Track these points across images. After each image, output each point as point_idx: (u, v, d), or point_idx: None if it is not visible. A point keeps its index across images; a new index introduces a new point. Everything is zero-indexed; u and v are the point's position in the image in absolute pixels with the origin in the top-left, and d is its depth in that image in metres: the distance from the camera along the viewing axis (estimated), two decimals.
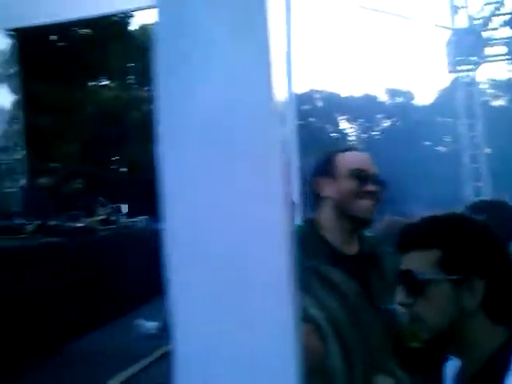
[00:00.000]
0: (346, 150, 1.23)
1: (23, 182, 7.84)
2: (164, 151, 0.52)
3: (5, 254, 2.79)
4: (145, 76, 24.42)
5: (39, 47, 11.94)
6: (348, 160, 1.19)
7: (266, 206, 0.51)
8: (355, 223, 1.16)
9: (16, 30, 7.70)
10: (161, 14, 0.53)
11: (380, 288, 1.09)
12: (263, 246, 0.51)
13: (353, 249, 1.16)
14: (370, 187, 1.15)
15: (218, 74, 0.53)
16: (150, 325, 3.06)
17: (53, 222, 3.84)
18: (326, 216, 1.16)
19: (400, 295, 0.80)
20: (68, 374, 2.43)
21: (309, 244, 1.10)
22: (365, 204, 1.14)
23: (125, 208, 5.36)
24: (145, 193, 8.77)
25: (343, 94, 28.89)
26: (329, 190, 1.16)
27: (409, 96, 28.75)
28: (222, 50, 0.53)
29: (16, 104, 7.81)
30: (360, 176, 1.15)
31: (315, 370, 0.89)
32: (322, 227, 1.15)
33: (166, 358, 2.58)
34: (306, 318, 0.92)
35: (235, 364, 0.48)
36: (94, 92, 17.00)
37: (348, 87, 61.66)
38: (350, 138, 28.96)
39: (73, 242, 3.43)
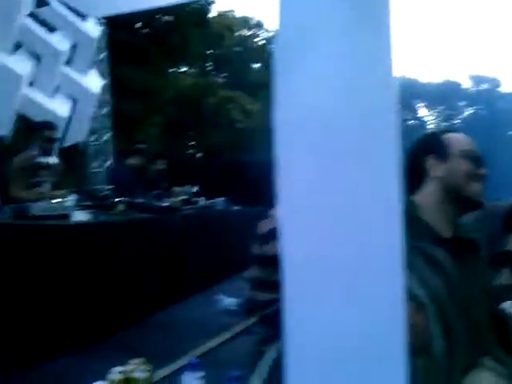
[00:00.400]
0: (448, 131, 1.20)
1: (110, 162, 8.35)
2: (279, 148, 0.55)
3: (102, 227, 3.03)
4: (222, 62, 24.88)
5: (126, 34, 12.51)
6: (459, 141, 1.15)
7: (380, 206, 0.53)
8: (466, 205, 1.13)
9: (106, 17, 8.14)
10: (282, 15, 0.56)
11: (479, 273, 1.07)
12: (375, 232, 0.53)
13: (449, 233, 1.12)
14: (482, 170, 1.12)
15: (337, 70, 0.54)
16: (230, 301, 3.17)
17: (140, 200, 4.06)
18: (431, 197, 1.11)
19: (505, 276, 0.79)
20: (153, 341, 2.59)
21: (408, 224, 1.08)
22: (477, 186, 1.10)
23: (202, 190, 5.58)
24: (220, 176, 9.04)
25: (423, 80, 27.76)
26: (438, 170, 1.12)
27: (494, 83, 27.09)
28: (341, 47, 0.53)
29: (105, 88, 8.25)
30: (473, 158, 1.11)
31: (418, 349, 0.90)
32: (423, 208, 1.10)
33: (245, 333, 2.69)
34: (410, 297, 0.92)
35: (347, 343, 0.51)
36: (175, 78, 17.53)
37: (429, 72, 59.05)
38: (429, 126, 27.82)
39: (159, 219, 3.64)
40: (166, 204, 4.18)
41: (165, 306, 3.23)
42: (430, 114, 28.87)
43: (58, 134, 4.13)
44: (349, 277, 0.52)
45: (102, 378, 1.76)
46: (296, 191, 0.54)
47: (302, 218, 0.53)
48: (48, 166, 3.87)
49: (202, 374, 1.53)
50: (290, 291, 0.53)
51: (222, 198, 5.32)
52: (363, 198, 0.53)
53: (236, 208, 5.45)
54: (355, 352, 0.51)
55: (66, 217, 2.93)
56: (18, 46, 6.02)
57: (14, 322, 2.57)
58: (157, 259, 3.39)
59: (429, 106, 28.43)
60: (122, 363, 1.78)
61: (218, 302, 3.21)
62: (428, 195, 1.12)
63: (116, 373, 1.72)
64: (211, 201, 5.14)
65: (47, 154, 3.86)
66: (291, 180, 0.54)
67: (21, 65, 5.88)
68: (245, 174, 8.99)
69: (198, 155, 20.98)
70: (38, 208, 2.93)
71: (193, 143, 21.53)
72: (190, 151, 21.35)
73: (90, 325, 2.69)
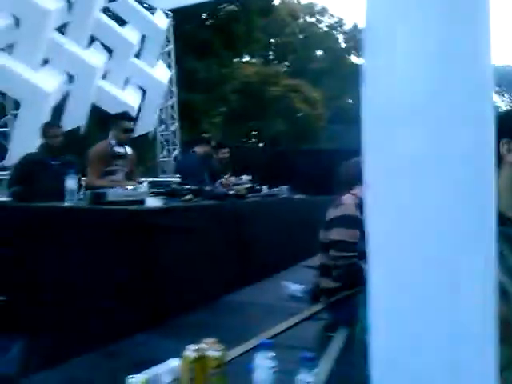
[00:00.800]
0: None
1: (177, 151, 8.61)
2: (367, 136, 0.55)
3: (173, 212, 3.16)
4: (284, 51, 24.77)
5: (191, 25, 12.77)
6: None
7: (475, 198, 0.53)
8: None
9: (172, 10, 8.36)
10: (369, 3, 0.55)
11: None
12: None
13: None
14: None
15: (428, 58, 0.52)
16: (295, 287, 3.21)
17: (207, 188, 4.17)
18: (506, 183, 1.08)
19: None
20: (222, 323, 2.67)
21: None
22: None
23: (265, 179, 5.65)
24: (282, 164, 9.06)
25: (498, 64, 26.27)
26: None
27: None
28: (435, 34, 0.51)
29: (171, 80, 8.49)
30: None
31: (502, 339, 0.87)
32: (499, 194, 1.08)
33: (310, 319, 2.72)
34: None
35: (437, 329, 0.51)
36: (238, 68, 17.68)
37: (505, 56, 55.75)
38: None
39: (226, 206, 3.73)
40: (231, 192, 4.28)
41: (232, 290, 3.32)
42: (507, 99, 27.39)
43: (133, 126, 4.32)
44: (439, 262, 0.52)
45: (176, 355, 1.84)
46: (384, 176, 0.54)
47: (388, 202, 0.54)
48: (123, 156, 4.07)
49: (273, 354, 1.58)
50: (376, 278, 0.53)
51: (286, 186, 5.35)
52: (453, 192, 0.52)
53: (300, 196, 5.46)
54: (445, 340, 0.51)
55: (141, 202, 3.08)
56: (92, 40, 6.32)
57: (95, 299, 2.75)
58: (224, 244, 3.49)
59: (506, 91, 26.97)
60: (194, 342, 1.85)
61: (283, 288, 3.25)
62: (503, 181, 1.08)
63: (190, 350, 1.79)
64: (275, 189, 5.19)
65: (123, 143, 4.06)
66: (379, 164, 0.54)
67: (95, 58, 6.18)
68: (307, 162, 8.96)
69: (261, 144, 21.12)
70: (114, 194, 3.09)
71: (255, 133, 21.70)
72: (253, 140, 21.52)
73: (163, 305, 2.82)
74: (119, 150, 4.00)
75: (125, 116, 4.17)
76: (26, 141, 5.36)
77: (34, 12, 5.19)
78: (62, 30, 5.91)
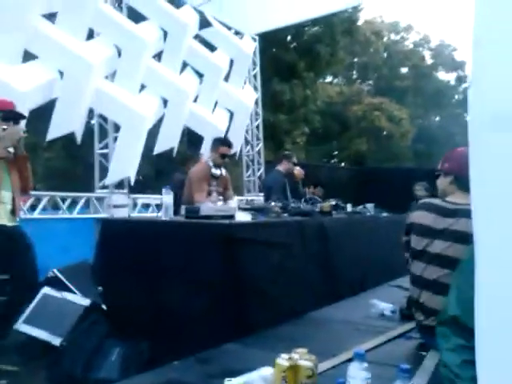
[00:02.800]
0: None
1: (262, 171, 8.80)
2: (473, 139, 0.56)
3: (268, 227, 3.30)
4: (368, 70, 24.53)
5: (276, 48, 13.10)
6: None
7: None
8: None
9: (259, 34, 8.66)
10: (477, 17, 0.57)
11: None
12: None
13: None
14: None
15: None
16: (384, 305, 3.16)
17: (292, 204, 4.24)
18: None
19: None
20: (311, 336, 2.69)
21: None
22: None
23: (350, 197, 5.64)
24: (366, 183, 8.92)
25: None
26: None
27: None
28: None
29: (257, 101, 8.74)
30: None
31: None
32: None
33: (401, 337, 2.66)
34: None
35: None
36: (321, 88, 17.76)
37: None
38: None
39: (312, 223, 3.78)
40: (317, 209, 4.32)
41: (318, 306, 3.33)
42: None
43: (231, 152, 4.64)
44: None
45: (265, 365, 1.89)
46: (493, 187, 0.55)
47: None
48: (219, 177, 4.32)
49: (367, 364, 1.58)
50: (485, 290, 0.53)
51: (372, 204, 5.29)
52: None
53: (385, 214, 5.37)
54: None
55: (231, 217, 3.22)
56: (185, 65, 6.71)
57: (188, 308, 2.90)
58: (311, 260, 3.52)
59: None
60: (283, 353, 1.89)
61: (372, 306, 3.21)
62: None
63: (283, 359, 1.84)
64: (360, 206, 5.16)
65: (219, 166, 4.32)
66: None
67: (188, 83, 6.54)
68: (392, 180, 8.77)
69: (343, 164, 20.92)
70: (207, 209, 3.25)
71: (336, 152, 21.58)
72: (335, 160, 21.39)
73: (250, 316, 2.90)
74: (216, 171, 4.27)
75: (225, 142, 4.47)
76: (124, 161, 5.78)
77: (135, 42, 5.63)
78: (157, 57, 6.34)
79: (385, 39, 25.54)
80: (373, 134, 19.39)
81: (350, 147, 19.62)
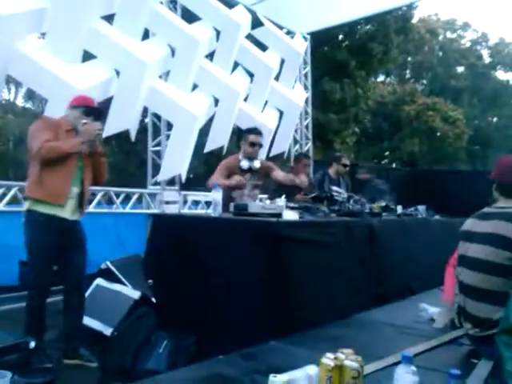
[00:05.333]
0: None
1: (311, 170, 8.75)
2: None
3: (315, 226, 3.31)
4: (422, 69, 23.88)
5: (328, 47, 12.99)
6: None
7: None
8: None
9: (310, 33, 8.61)
10: None
11: None
12: None
13: None
14: None
15: None
16: (434, 310, 3.08)
17: (341, 204, 4.20)
18: None
19: None
20: (357, 338, 2.65)
21: None
22: None
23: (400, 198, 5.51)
24: (418, 185, 8.70)
25: None
26: None
27: None
28: None
29: (307, 100, 8.69)
30: None
31: None
32: None
33: (451, 343, 2.58)
34: None
35: None
36: (373, 88, 17.44)
37: None
38: None
39: (362, 223, 3.73)
40: (367, 209, 4.26)
41: (365, 308, 3.29)
42: None
43: (263, 141, 4.50)
44: None
45: (310, 363, 1.89)
46: None
47: None
48: (249, 170, 4.25)
49: (415, 368, 1.55)
50: None
51: (423, 206, 5.16)
52: None
53: (437, 217, 5.23)
54: None
55: (278, 215, 3.23)
56: (236, 65, 6.78)
57: (234, 304, 2.94)
58: (358, 261, 3.48)
59: None
60: (330, 353, 1.88)
61: (421, 310, 3.13)
62: None
63: (328, 358, 1.83)
64: (412, 208, 5.04)
65: (251, 158, 4.28)
66: None
67: (238, 82, 6.60)
68: (446, 182, 8.51)
69: (394, 165, 20.47)
70: (254, 206, 3.28)
71: (387, 153, 21.14)
72: (385, 160, 20.96)
73: (295, 316, 2.90)
74: (247, 164, 4.22)
75: (251, 130, 4.34)
76: (176, 159, 5.91)
77: (188, 42, 5.74)
78: (210, 56, 6.44)
79: (440, 38, 24.77)
80: (426, 135, 18.85)
81: (402, 148, 19.18)
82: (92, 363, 3.14)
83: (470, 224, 2.51)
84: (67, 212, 3.20)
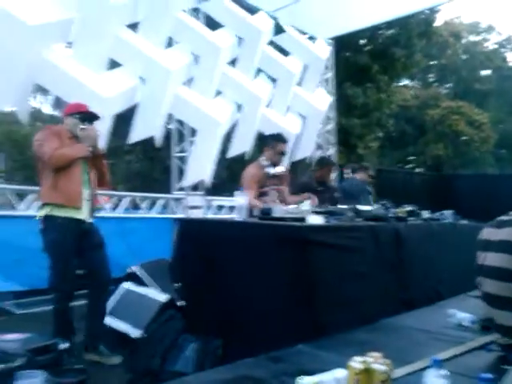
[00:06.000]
0: None
1: (334, 175, 8.71)
2: None
3: (341, 230, 3.30)
4: (446, 72, 23.59)
5: (350, 51, 12.95)
6: None
7: None
8: None
9: (333, 38, 8.61)
10: None
11: None
12: None
13: None
14: None
15: None
16: (463, 316, 3.03)
17: (367, 209, 4.18)
18: None
19: None
20: (385, 342, 2.62)
21: None
22: None
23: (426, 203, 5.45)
24: (444, 189, 8.58)
25: None
26: None
27: None
28: None
29: (330, 106, 8.68)
30: None
31: None
32: None
33: (481, 349, 2.53)
34: None
35: None
36: (396, 92, 17.30)
37: None
38: None
39: (387, 227, 3.70)
40: (392, 214, 4.22)
41: (392, 313, 3.25)
42: None
43: (288, 148, 4.56)
44: None
45: (338, 367, 1.88)
46: None
47: None
48: (275, 176, 4.27)
49: (446, 372, 1.53)
50: None
51: (450, 211, 5.09)
52: None
53: (464, 222, 5.14)
54: None
55: (303, 220, 3.23)
56: (258, 71, 6.83)
57: (260, 307, 2.95)
58: (384, 266, 3.45)
59: None
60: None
61: (450, 316, 3.08)
62: None
63: (356, 362, 1.82)
64: (438, 213, 4.98)
65: (276, 164, 4.28)
66: None
67: (261, 88, 6.64)
68: (472, 187, 8.38)
69: (418, 169, 20.23)
70: (279, 210, 3.29)
71: (412, 157, 20.90)
72: (410, 165, 20.72)
73: (322, 319, 2.89)
74: (271, 170, 4.23)
75: (281, 139, 4.35)
76: (200, 165, 5.97)
77: (211, 49, 5.81)
78: (232, 63, 6.50)
79: (464, 41, 24.44)
80: (451, 139, 18.59)
81: (427, 152, 18.95)
82: (111, 359, 3.22)
83: (486, 233, 2.45)
84: (84, 214, 3.33)
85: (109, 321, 3.48)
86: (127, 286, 3.67)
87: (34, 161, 3.41)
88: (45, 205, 3.25)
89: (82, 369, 2.68)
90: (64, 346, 2.69)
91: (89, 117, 3.43)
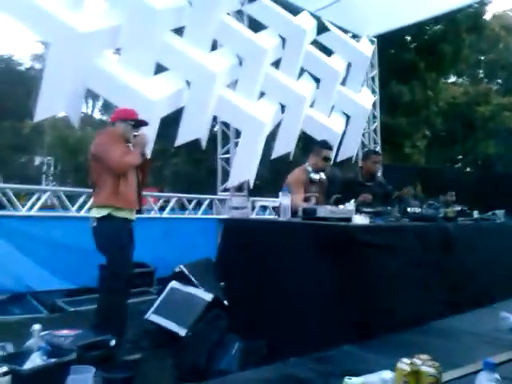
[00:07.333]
0: None
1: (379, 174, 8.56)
2: None
3: (387, 230, 3.27)
4: (496, 67, 22.67)
5: (395, 50, 12.70)
6: None
7: None
8: None
9: (377, 36, 8.48)
10: None
11: None
12: None
13: None
14: None
15: None
16: None
17: (417, 210, 4.07)
18: None
19: None
20: (434, 345, 2.56)
21: None
22: None
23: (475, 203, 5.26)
24: (496, 188, 8.25)
25: None
26: None
27: None
28: None
29: (374, 104, 8.55)
30: None
31: None
32: None
33: None
34: None
35: None
36: (444, 89, 16.80)
37: None
38: None
39: (435, 228, 3.61)
40: (440, 214, 4.11)
41: (442, 315, 3.17)
42: None
43: (333, 155, 4.56)
44: None
45: (384, 369, 1.85)
46: None
47: None
48: (318, 182, 4.28)
49: (497, 376, 1.48)
50: None
51: (502, 211, 4.90)
52: None
53: None
54: None
55: (348, 220, 3.20)
56: (302, 71, 6.81)
57: (306, 308, 2.94)
58: (433, 268, 3.36)
59: None
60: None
61: (502, 319, 2.97)
62: None
63: (404, 363, 1.79)
64: (489, 213, 4.80)
65: (320, 170, 4.29)
66: None
67: (305, 88, 6.62)
68: None
69: (468, 168, 19.56)
70: (323, 211, 3.27)
71: (460, 156, 20.24)
72: (459, 164, 20.08)
73: (369, 320, 2.85)
74: (315, 176, 4.24)
75: (326, 145, 4.38)
76: (244, 166, 6.01)
77: (255, 51, 5.84)
78: (276, 64, 6.51)
79: None
80: (502, 137, 17.86)
81: (477, 150, 18.29)
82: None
83: None
84: (133, 214, 3.58)
85: (156, 319, 3.56)
86: (174, 285, 3.74)
87: (88, 163, 3.56)
88: (107, 206, 3.41)
89: (131, 365, 2.75)
90: (114, 342, 2.78)
91: (140, 124, 3.62)
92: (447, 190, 6.48)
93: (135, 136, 3.53)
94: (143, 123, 3.65)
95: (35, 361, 2.18)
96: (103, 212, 3.39)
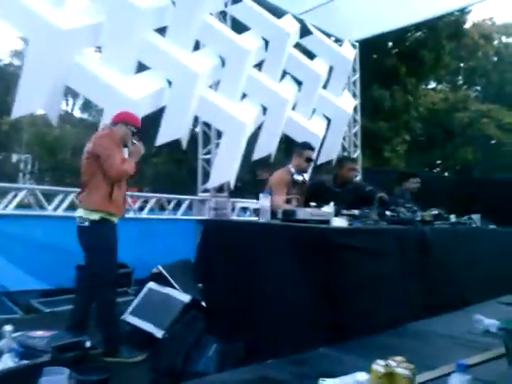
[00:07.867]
0: None
1: (359, 178, 8.64)
2: None
3: (356, 232, 3.26)
4: (475, 75, 23.10)
5: (377, 54, 12.84)
6: None
7: None
8: None
9: (359, 40, 8.56)
10: None
11: None
12: None
13: None
14: None
15: None
16: (490, 322, 2.96)
17: (392, 212, 4.13)
18: None
19: None
20: (408, 347, 2.59)
21: None
22: None
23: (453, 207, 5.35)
24: (473, 194, 8.39)
25: None
26: None
27: None
28: None
29: (356, 108, 8.62)
30: None
31: None
32: None
33: (503, 357, 2.47)
34: None
35: None
36: (423, 95, 17.04)
37: None
38: None
39: (412, 231, 3.65)
40: (418, 217, 4.17)
41: (416, 318, 3.20)
42: None
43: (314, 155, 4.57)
44: None
45: (359, 371, 1.86)
46: None
47: None
48: (300, 184, 4.30)
49: (469, 377, 1.50)
50: None
51: (478, 215, 4.99)
52: None
53: (492, 226, 5.05)
54: None
55: (327, 222, 3.21)
56: (284, 73, 6.83)
57: (282, 310, 2.94)
58: (409, 271, 3.40)
59: None
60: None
61: (476, 322, 3.02)
62: None
63: (379, 365, 1.80)
64: (465, 217, 4.89)
65: (302, 172, 4.31)
66: None
67: (287, 90, 6.64)
68: (502, 191, 8.19)
69: (446, 173, 19.88)
70: (303, 213, 3.28)
71: (439, 161, 20.55)
72: (437, 169, 20.39)
73: (345, 323, 2.87)
74: (298, 177, 4.25)
75: (309, 146, 4.40)
76: (225, 167, 6.00)
77: (238, 52, 5.84)
78: (258, 66, 6.52)
79: (495, 42, 23.91)
80: (480, 143, 18.19)
81: (455, 156, 18.60)
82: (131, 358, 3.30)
83: None
84: (117, 216, 3.54)
85: (132, 320, 3.53)
86: (151, 286, 3.72)
87: (82, 161, 3.50)
88: (97, 211, 3.39)
89: (106, 367, 2.72)
90: (88, 343, 2.75)
91: (139, 132, 3.60)
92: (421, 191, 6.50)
93: (133, 144, 3.51)
94: (141, 132, 3.63)
95: (6, 363, 2.14)
96: (95, 216, 3.36)
